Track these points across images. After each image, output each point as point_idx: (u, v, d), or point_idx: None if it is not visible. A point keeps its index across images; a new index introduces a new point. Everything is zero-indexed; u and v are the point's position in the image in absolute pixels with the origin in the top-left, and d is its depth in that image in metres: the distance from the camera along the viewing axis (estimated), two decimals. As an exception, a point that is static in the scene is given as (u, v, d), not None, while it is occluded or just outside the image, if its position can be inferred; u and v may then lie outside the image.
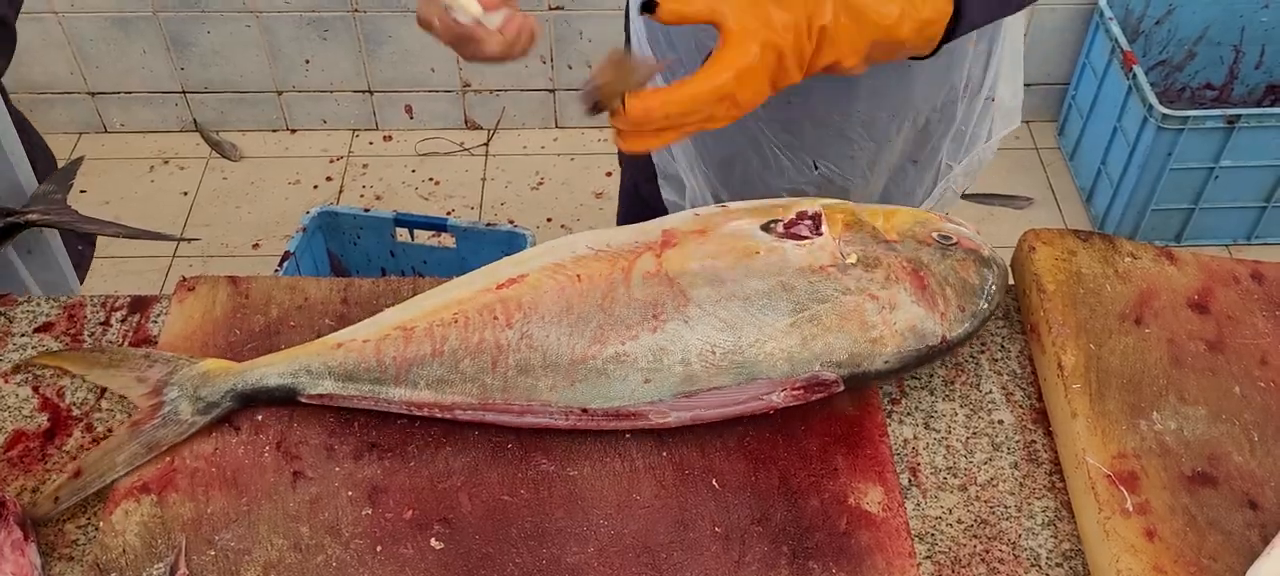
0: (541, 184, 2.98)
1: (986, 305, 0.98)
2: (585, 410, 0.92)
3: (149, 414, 0.94)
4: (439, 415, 0.94)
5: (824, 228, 0.99)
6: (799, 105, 1.23)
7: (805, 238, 0.98)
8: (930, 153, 1.33)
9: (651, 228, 1.01)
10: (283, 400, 0.96)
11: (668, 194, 1.39)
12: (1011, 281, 1.09)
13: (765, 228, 0.99)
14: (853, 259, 0.96)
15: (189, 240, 1.69)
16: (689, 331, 0.92)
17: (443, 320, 0.95)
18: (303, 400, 0.96)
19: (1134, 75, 2.42)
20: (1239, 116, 2.34)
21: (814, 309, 0.93)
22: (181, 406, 0.95)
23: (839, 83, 1.18)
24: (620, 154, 1.49)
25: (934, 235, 0.99)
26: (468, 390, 0.92)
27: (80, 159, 1.36)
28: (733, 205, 1.03)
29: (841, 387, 0.94)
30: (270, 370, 0.96)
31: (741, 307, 0.93)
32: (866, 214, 1.01)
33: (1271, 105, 2.80)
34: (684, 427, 0.95)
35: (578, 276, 0.96)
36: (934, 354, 0.96)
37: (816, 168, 1.29)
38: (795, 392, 0.92)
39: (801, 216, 1.00)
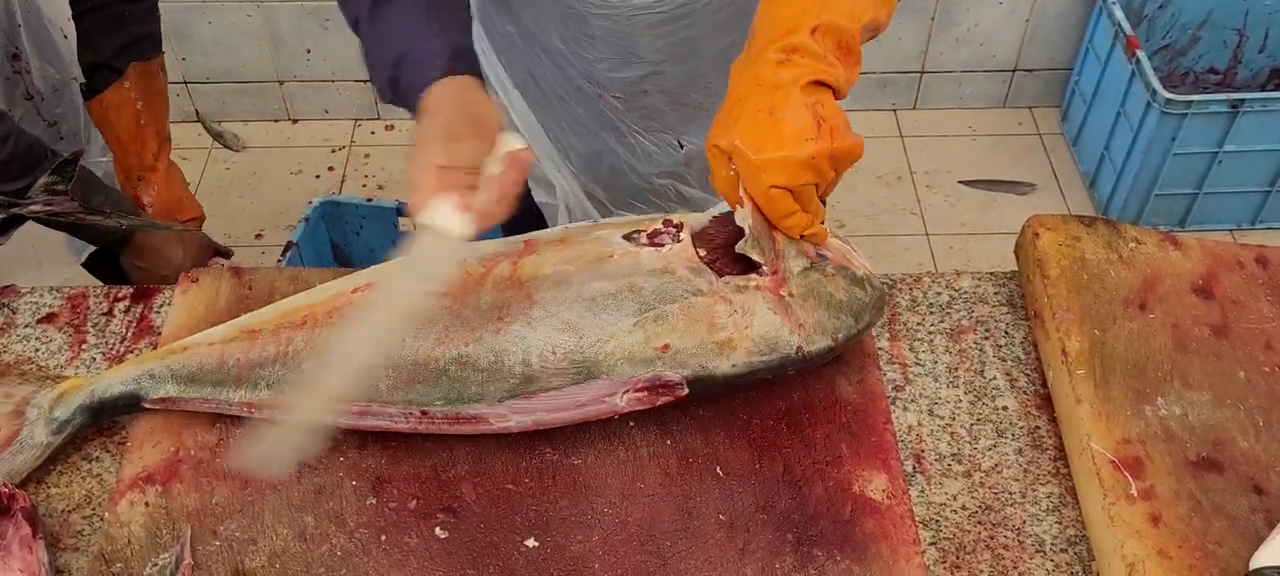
0: (543, 173, 2.96)
1: (854, 322, 0.94)
2: (425, 413, 0.90)
3: (7, 440, 0.93)
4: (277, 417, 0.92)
5: (684, 236, 0.95)
6: (654, 93, 1.22)
7: (664, 244, 0.95)
8: None
9: (517, 238, 0.99)
10: (129, 408, 0.95)
11: (540, 197, 1.36)
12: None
13: (628, 237, 0.96)
14: (706, 263, 0.93)
15: (191, 230, 1.68)
16: (531, 332, 0.90)
17: (291, 321, 0.94)
18: (146, 405, 0.94)
19: (1137, 60, 2.41)
20: (1243, 101, 2.33)
21: (660, 308, 0.90)
22: (37, 430, 0.94)
23: (689, 62, 1.18)
24: None
25: (812, 251, 0.94)
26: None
27: (80, 151, 1.36)
28: (604, 221, 1.02)
29: (686, 391, 0.91)
30: (115, 378, 0.95)
31: (585, 308, 0.90)
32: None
33: (1276, 89, 2.79)
34: (689, 415, 0.95)
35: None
36: (789, 364, 0.92)
37: (681, 146, 1.29)
38: (638, 394, 0.90)
39: (667, 225, 0.97)
